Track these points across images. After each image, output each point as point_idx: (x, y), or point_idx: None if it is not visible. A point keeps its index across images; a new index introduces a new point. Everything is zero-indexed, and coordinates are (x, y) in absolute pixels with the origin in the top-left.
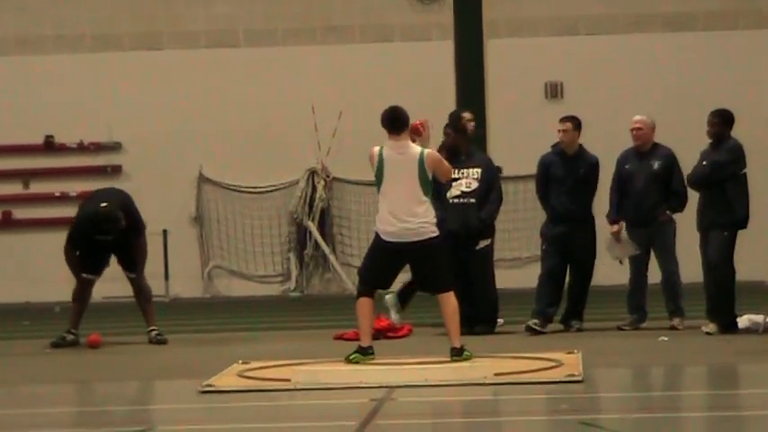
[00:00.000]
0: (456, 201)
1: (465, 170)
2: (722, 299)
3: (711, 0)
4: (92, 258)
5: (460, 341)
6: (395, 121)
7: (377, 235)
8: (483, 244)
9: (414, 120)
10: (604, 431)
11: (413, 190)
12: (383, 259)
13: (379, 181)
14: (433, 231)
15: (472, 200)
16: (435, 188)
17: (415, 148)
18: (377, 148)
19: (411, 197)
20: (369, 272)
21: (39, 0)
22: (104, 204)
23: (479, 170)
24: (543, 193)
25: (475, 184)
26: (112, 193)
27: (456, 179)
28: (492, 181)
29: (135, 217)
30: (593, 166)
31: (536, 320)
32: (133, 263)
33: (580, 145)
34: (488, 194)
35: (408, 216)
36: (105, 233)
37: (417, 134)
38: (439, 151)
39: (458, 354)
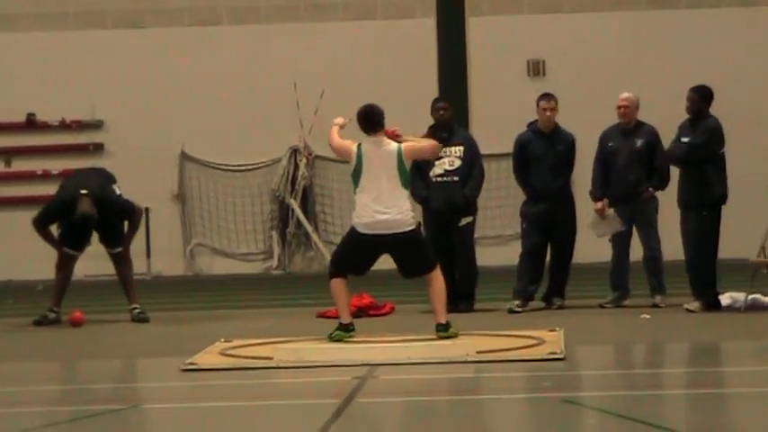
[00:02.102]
0: (439, 179)
1: (447, 148)
2: (704, 277)
3: None
4: (72, 235)
5: (446, 317)
6: (371, 121)
7: (353, 228)
8: (465, 221)
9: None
10: (586, 409)
11: (393, 183)
12: (358, 251)
13: (357, 176)
14: (411, 224)
15: (455, 178)
16: (418, 167)
17: (392, 144)
18: (354, 146)
19: (391, 189)
20: (343, 262)
21: None
22: (84, 192)
23: (461, 148)
24: (521, 172)
25: (458, 162)
26: (94, 176)
27: (439, 157)
28: (474, 158)
29: (116, 204)
30: (570, 143)
31: (517, 302)
32: (115, 240)
33: (556, 123)
34: (471, 172)
35: (388, 208)
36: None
37: (396, 139)
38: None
39: (444, 329)
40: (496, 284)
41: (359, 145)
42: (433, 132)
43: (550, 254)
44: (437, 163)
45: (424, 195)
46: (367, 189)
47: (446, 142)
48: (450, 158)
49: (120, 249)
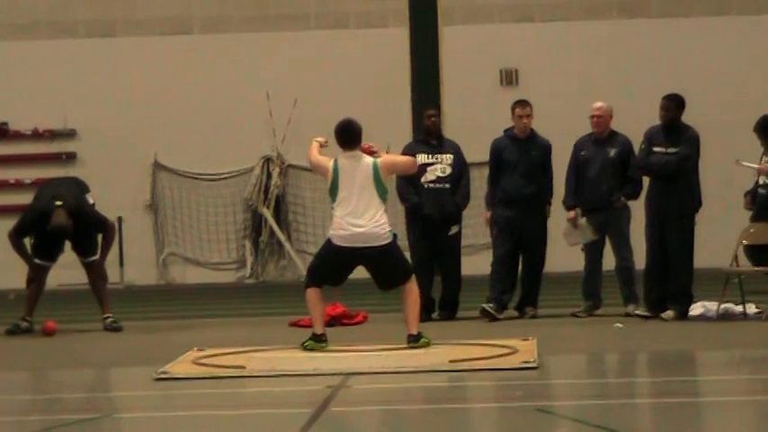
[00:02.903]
0: (431, 186)
1: (439, 155)
2: (686, 286)
3: None
4: (46, 245)
5: (418, 328)
6: (348, 136)
7: (329, 241)
8: (454, 230)
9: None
10: (559, 418)
11: (369, 196)
12: (335, 263)
13: (334, 191)
14: (387, 238)
15: (447, 185)
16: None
17: (368, 158)
18: (330, 162)
19: (367, 203)
20: (319, 273)
21: None
22: (59, 203)
23: (452, 156)
24: (495, 177)
25: (449, 170)
26: (68, 186)
27: (431, 164)
28: (462, 166)
29: (90, 215)
30: (546, 149)
31: (492, 304)
32: (89, 249)
33: (531, 129)
34: (460, 180)
35: (364, 221)
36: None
37: (372, 155)
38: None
39: (415, 340)
40: (470, 294)
41: (335, 160)
42: (423, 139)
43: (522, 262)
44: (429, 169)
45: (415, 201)
46: (344, 203)
47: (436, 150)
48: (442, 165)
49: (94, 258)
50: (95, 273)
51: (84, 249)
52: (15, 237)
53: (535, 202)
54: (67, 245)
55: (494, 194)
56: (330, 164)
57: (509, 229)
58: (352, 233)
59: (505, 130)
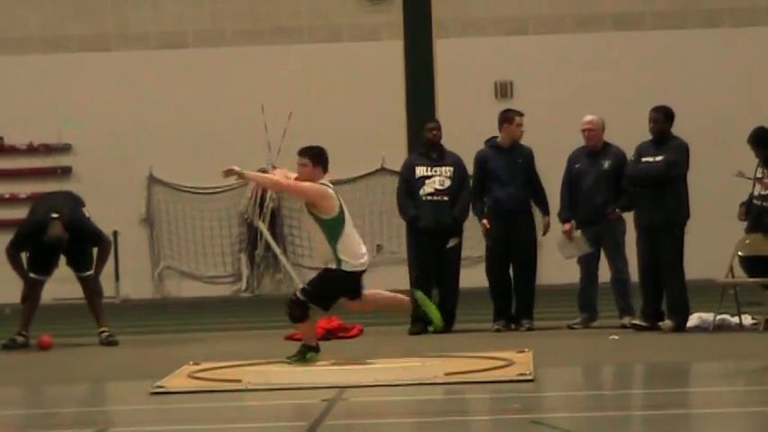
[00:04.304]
0: (429, 198)
1: (438, 168)
2: (680, 297)
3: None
4: (41, 258)
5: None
6: (327, 159)
7: (344, 270)
8: (452, 242)
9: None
10: (555, 430)
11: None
12: (342, 290)
13: (341, 221)
14: None
15: (445, 197)
16: (408, 186)
17: None
18: (330, 190)
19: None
20: (323, 300)
21: None
22: (55, 216)
23: (451, 168)
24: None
25: (447, 182)
26: (63, 200)
27: (429, 177)
28: (463, 179)
29: (86, 228)
30: (530, 156)
31: (500, 323)
32: (84, 263)
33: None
34: (460, 193)
35: None
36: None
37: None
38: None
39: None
40: (467, 306)
41: (330, 187)
42: (423, 152)
43: (513, 273)
44: (427, 182)
45: (412, 214)
46: (353, 229)
47: (437, 162)
48: (441, 178)
49: (89, 273)
50: (91, 287)
51: (79, 263)
52: (12, 250)
53: (524, 209)
54: (62, 260)
55: (480, 205)
56: (330, 191)
57: (500, 240)
58: (366, 259)
59: (487, 141)
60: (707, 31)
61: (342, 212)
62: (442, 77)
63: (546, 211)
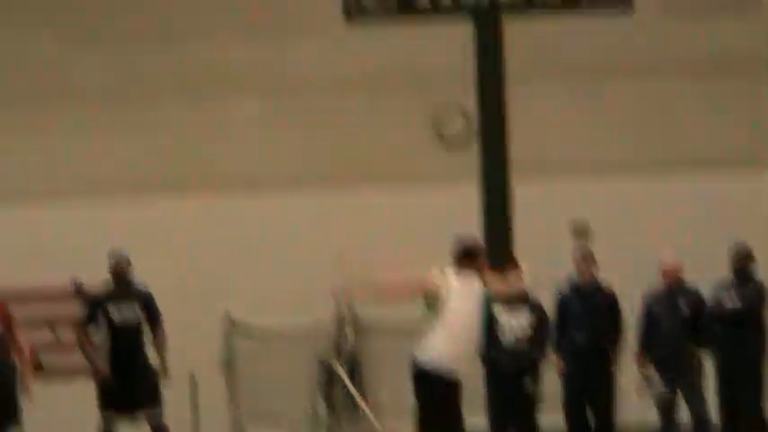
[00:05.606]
0: (509, 346)
1: (516, 313)
2: None
3: (733, 146)
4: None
5: None
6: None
7: None
8: (530, 385)
9: None
10: None
11: None
12: None
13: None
14: None
15: (525, 345)
16: (489, 330)
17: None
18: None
19: None
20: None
21: (66, 150)
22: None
23: (529, 314)
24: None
25: (529, 330)
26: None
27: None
28: (542, 321)
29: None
30: (612, 298)
31: None
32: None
33: (595, 277)
34: (539, 334)
35: None
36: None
37: None
38: None
39: None
40: None
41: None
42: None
43: (592, 418)
44: (507, 329)
45: (493, 357)
46: None
47: (514, 306)
48: (521, 323)
49: (159, 411)
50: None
51: (149, 396)
52: (82, 328)
53: (602, 352)
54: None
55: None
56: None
57: (577, 382)
58: None
59: (568, 280)
60: None
61: None
62: (520, 220)
63: (617, 353)
